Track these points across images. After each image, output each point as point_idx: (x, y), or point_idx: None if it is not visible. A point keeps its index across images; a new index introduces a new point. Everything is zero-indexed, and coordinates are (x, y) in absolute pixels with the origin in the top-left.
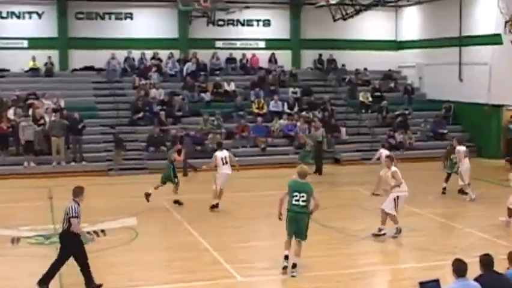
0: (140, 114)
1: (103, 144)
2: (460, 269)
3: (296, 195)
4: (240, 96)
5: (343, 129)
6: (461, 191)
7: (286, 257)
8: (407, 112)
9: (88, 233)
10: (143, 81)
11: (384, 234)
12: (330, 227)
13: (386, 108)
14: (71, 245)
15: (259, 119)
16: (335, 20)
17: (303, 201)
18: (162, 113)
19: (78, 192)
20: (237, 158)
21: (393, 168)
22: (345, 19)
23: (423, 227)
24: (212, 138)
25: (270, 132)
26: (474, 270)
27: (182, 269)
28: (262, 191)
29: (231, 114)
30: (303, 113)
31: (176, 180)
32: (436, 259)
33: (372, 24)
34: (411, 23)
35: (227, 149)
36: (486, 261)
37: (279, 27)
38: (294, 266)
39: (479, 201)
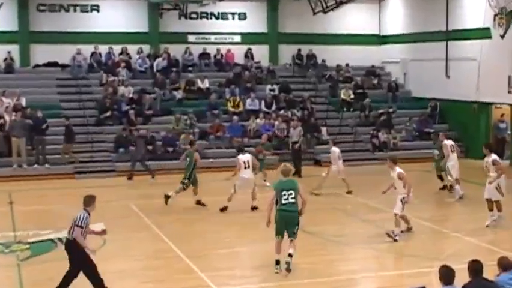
0: (108, 114)
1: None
2: (447, 275)
3: (284, 194)
4: (214, 94)
5: (323, 129)
6: (445, 187)
7: (278, 262)
8: (391, 110)
9: (52, 240)
10: (111, 78)
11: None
12: (310, 232)
13: (368, 106)
14: (76, 254)
15: (235, 118)
16: (314, 13)
17: (292, 198)
18: (131, 112)
19: (89, 201)
20: (211, 160)
21: (398, 169)
22: (325, 12)
23: (409, 232)
24: (184, 139)
25: (246, 132)
26: (462, 277)
27: (153, 278)
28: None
29: (204, 113)
30: (281, 112)
31: (187, 181)
32: (422, 265)
33: (354, 18)
34: (396, 16)
35: (249, 152)
36: (475, 267)
37: (255, 20)
38: (290, 255)
39: (467, 203)
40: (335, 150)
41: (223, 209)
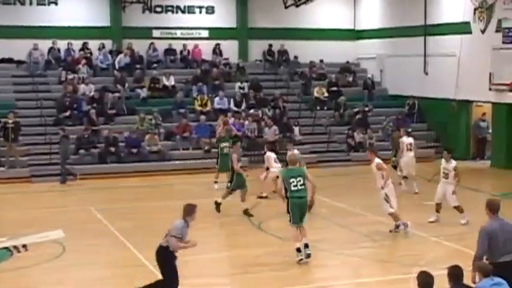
0: (68, 113)
1: (25, 147)
2: (426, 282)
3: (293, 181)
4: (180, 92)
5: (296, 129)
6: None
7: (299, 250)
8: (366, 109)
9: (7, 248)
10: (70, 76)
11: (404, 226)
12: (283, 238)
13: (343, 104)
14: (166, 263)
15: (203, 117)
16: (286, 7)
17: (301, 185)
18: (93, 111)
19: (190, 210)
20: (177, 162)
21: (377, 160)
22: (297, 6)
23: (386, 237)
24: (149, 140)
25: (214, 133)
26: (442, 283)
27: (118, 287)
28: (205, 198)
29: (170, 113)
30: (252, 111)
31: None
32: (400, 272)
33: (327, 11)
34: (371, 10)
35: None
36: (455, 273)
37: (224, 14)
38: (307, 245)
39: (447, 208)
40: (271, 155)
41: (247, 211)
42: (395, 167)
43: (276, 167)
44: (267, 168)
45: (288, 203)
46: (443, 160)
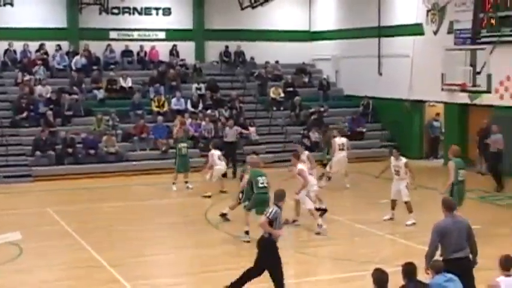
0: (24, 115)
1: None
2: (380, 279)
3: (260, 179)
4: (137, 93)
5: (252, 129)
6: (322, 175)
7: (248, 232)
8: (322, 109)
9: None
10: (26, 77)
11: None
12: (238, 237)
13: (299, 105)
14: (268, 252)
15: (160, 118)
16: (242, 8)
17: (266, 183)
18: (49, 112)
19: (281, 195)
20: (134, 163)
21: (300, 166)
22: (253, 7)
23: (342, 235)
24: (107, 141)
25: (172, 133)
26: (396, 280)
27: None
28: (163, 198)
29: (127, 114)
30: (209, 112)
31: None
32: (355, 269)
33: (283, 13)
34: (326, 12)
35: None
36: (409, 270)
37: (180, 16)
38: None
39: (401, 206)
40: (215, 153)
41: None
42: (324, 165)
43: (220, 165)
44: (211, 167)
45: (255, 197)
46: (392, 158)
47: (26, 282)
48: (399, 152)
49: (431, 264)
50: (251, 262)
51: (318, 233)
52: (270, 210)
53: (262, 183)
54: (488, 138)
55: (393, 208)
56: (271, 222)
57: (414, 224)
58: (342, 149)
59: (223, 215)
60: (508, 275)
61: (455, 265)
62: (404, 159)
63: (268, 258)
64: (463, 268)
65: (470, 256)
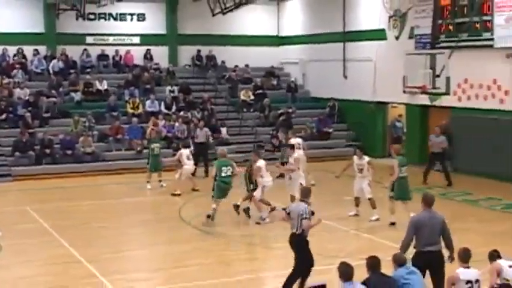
0: (3, 116)
1: None
2: (346, 272)
3: (224, 169)
4: (113, 96)
5: (224, 129)
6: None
7: (215, 210)
8: (290, 110)
9: None
10: (5, 80)
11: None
12: (211, 233)
13: (268, 106)
14: (301, 248)
15: (135, 119)
16: (213, 15)
17: (230, 172)
18: (28, 114)
19: (307, 193)
20: (110, 162)
21: (259, 163)
22: (224, 13)
23: (311, 231)
24: (83, 141)
25: (146, 134)
26: (361, 272)
27: (55, 284)
28: (137, 197)
29: (103, 115)
30: (182, 113)
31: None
32: (322, 263)
33: (252, 19)
34: (294, 18)
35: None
36: (373, 263)
37: (154, 21)
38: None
39: (364, 202)
40: (184, 152)
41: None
42: (283, 164)
43: (188, 164)
44: (180, 166)
45: (218, 184)
46: (355, 157)
47: (4, 279)
48: (362, 151)
49: (394, 258)
50: (221, 257)
51: (257, 223)
52: (304, 210)
53: (226, 172)
54: (430, 140)
55: (357, 205)
56: (288, 215)
57: (378, 219)
58: (299, 148)
59: (237, 207)
60: (467, 267)
61: (426, 258)
62: (367, 158)
63: (300, 252)
64: (434, 261)
65: (444, 251)
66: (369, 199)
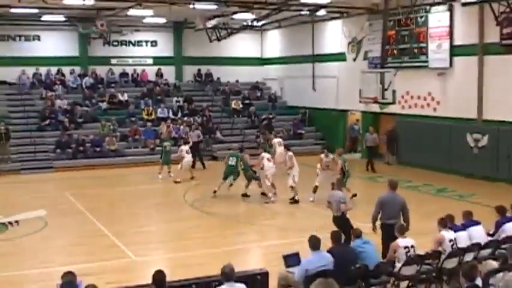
0: (47, 122)
1: (16, 147)
2: (315, 243)
3: (231, 159)
4: (132, 105)
5: (218, 132)
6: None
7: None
8: (271, 116)
9: (3, 223)
10: (49, 93)
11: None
12: (210, 213)
13: (254, 113)
14: (344, 225)
15: (149, 123)
16: (211, 41)
17: (235, 162)
18: (66, 120)
19: (341, 183)
20: (130, 157)
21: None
22: (219, 40)
23: (287, 211)
24: (109, 141)
25: (158, 135)
26: (326, 243)
27: (86, 251)
28: (150, 184)
29: (124, 120)
30: (185, 118)
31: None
32: (296, 236)
33: (241, 45)
34: (274, 43)
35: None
36: (336, 236)
37: (164, 46)
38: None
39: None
40: (183, 148)
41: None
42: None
43: (187, 157)
44: (181, 159)
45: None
46: (323, 155)
47: (50, 246)
48: (329, 151)
49: (352, 231)
50: (218, 231)
51: (266, 202)
52: (341, 197)
53: (232, 161)
54: (366, 137)
55: (314, 192)
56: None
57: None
58: (280, 145)
59: (263, 194)
60: (404, 237)
61: (388, 229)
62: (331, 156)
63: (345, 228)
64: (393, 232)
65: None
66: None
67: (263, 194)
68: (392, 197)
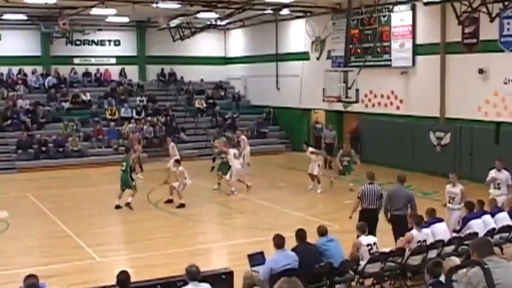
0: (9, 122)
1: None
2: (279, 242)
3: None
4: (95, 105)
5: (182, 131)
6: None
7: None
8: (235, 115)
9: None
10: (11, 93)
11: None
12: (174, 213)
13: (218, 112)
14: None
15: (112, 123)
16: (174, 40)
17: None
18: (28, 120)
19: (372, 176)
20: (92, 158)
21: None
22: (182, 39)
23: (251, 210)
24: (72, 141)
25: (121, 135)
26: (292, 242)
27: (50, 253)
28: (112, 185)
29: (87, 120)
30: (149, 118)
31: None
32: (261, 235)
33: (205, 43)
34: (237, 43)
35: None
36: (300, 234)
37: (127, 46)
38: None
39: (293, 187)
40: (173, 145)
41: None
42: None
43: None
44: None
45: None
46: (308, 152)
47: (12, 248)
48: (308, 145)
49: (317, 229)
50: (181, 231)
51: (228, 194)
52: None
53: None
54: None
55: (312, 179)
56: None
57: (321, 192)
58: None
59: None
60: (366, 235)
61: (395, 219)
62: (310, 149)
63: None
64: (399, 221)
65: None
66: (316, 176)
67: (168, 201)
68: (398, 190)
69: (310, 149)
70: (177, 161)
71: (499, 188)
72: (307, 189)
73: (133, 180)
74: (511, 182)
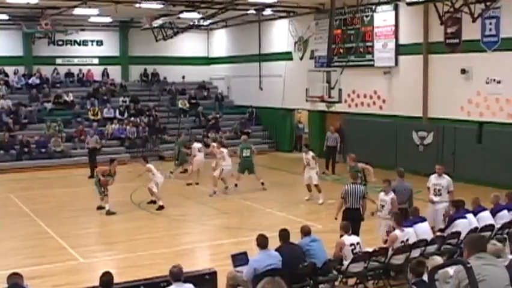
0: None
1: None
2: (263, 242)
3: (245, 151)
4: (77, 105)
5: (166, 132)
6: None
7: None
8: (218, 116)
9: None
10: None
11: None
12: (158, 213)
13: (201, 113)
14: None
15: (95, 124)
16: (157, 40)
17: (250, 153)
18: (10, 120)
19: (356, 176)
20: (75, 158)
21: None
22: (165, 39)
23: (234, 210)
24: (54, 142)
25: (104, 135)
26: (275, 242)
27: (34, 254)
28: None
29: (70, 121)
30: (132, 118)
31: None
32: (244, 235)
33: (188, 44)
34: (220, 43)
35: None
36: (283, 235)
37: (110, 46)
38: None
39: (278, 187)
40: (196, 145)
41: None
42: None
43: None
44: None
45: (241, 162)
46: (304, 153)
47: None
48: (307, 148)
49: (301, 229)
50: (166, 231)
51: (210, 195)
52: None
53: (247, 153)
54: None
55: (309, 190)
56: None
57: (322, 203)
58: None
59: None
60: (349, 235)
61: (402, 212)
62: (311, 153)
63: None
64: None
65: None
66: (316, 185)
67: (151, 202)
68: (401, 184)
69: (312, 153)
70: (144, 158)
71: (440, 195)
72: (293, 190)
73: (101, 186)
74: (452, 189)
